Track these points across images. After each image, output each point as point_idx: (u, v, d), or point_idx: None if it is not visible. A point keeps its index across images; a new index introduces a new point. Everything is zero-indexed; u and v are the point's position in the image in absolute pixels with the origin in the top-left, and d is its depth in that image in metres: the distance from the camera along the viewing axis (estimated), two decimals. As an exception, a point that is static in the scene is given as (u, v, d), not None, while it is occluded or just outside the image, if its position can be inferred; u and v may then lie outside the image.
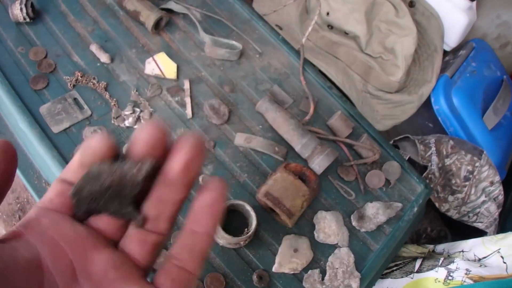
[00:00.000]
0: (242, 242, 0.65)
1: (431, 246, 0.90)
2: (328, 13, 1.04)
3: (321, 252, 0.70)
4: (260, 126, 0.77)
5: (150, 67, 0.77)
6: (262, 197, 0.66)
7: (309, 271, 0.67)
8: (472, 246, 0.82)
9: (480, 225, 0.94)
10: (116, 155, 0.23)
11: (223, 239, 0.64)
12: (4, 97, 0.69)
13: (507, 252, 0.76)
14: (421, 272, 0.79)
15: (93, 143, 0.23)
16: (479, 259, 0.79)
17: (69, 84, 0.73)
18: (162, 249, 0.24)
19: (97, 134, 0.23)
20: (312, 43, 1.08)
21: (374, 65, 1.02)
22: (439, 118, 1.03)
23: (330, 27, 1.06)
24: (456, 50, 1.11)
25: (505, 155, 1.07)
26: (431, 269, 0.77)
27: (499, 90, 1.08)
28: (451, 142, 0.95)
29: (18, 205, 1.22)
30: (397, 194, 0.78)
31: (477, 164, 0.92)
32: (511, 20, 1.10)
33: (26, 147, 0.71)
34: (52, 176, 0.68)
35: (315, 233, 0.70)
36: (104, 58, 0.77)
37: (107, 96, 0.74)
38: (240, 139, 0.74)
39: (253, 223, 0.64)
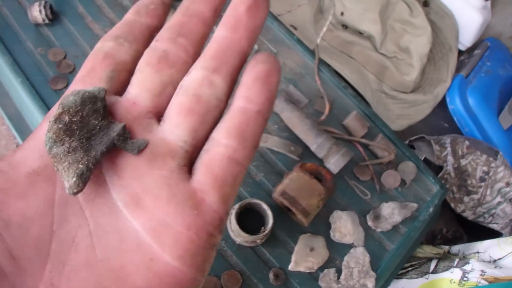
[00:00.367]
0: (258, 241, 0.66)
1: (446, 247, 0.89)
2: (342, 13, 1.04)
3: (336, 251, 0.70)
4: (276, 126, 0.77)
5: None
6: (279, 196, 0.66)
7: (325, 270, 0.68)
8: (488, 247, 0.81)
9: (495, 226, 0.93)
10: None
11: (240, 237, 0.65)
12: (25, 98, 0.70)
13: (524, 253, 0.75)
14: (436, 272, 0.79)
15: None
16: (494, 260, 0.78)
17: (87, 84, 0.75)
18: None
19: None
20: (327, 43, 1.08)
21: (389, 64, 1.02)
22: (454, 118, 1.03)
23: (345, 26, 1.06)
24: (471, 49, 1.11)
25: (521, 155, 1.06)
26: (446, 270, 0.77)
27: (515, 89, 1.07)
28: (467, 143, 0.94)
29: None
30: (412, 194, 0.78)
31: (492, 164, 0.92)
32: (527, 19, 1.09)
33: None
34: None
35: (330, 232, 0.71)
36: (121, 58, 0.78)
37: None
38: (255, 138, 0.74)
39: (270, 221, 0.64)
